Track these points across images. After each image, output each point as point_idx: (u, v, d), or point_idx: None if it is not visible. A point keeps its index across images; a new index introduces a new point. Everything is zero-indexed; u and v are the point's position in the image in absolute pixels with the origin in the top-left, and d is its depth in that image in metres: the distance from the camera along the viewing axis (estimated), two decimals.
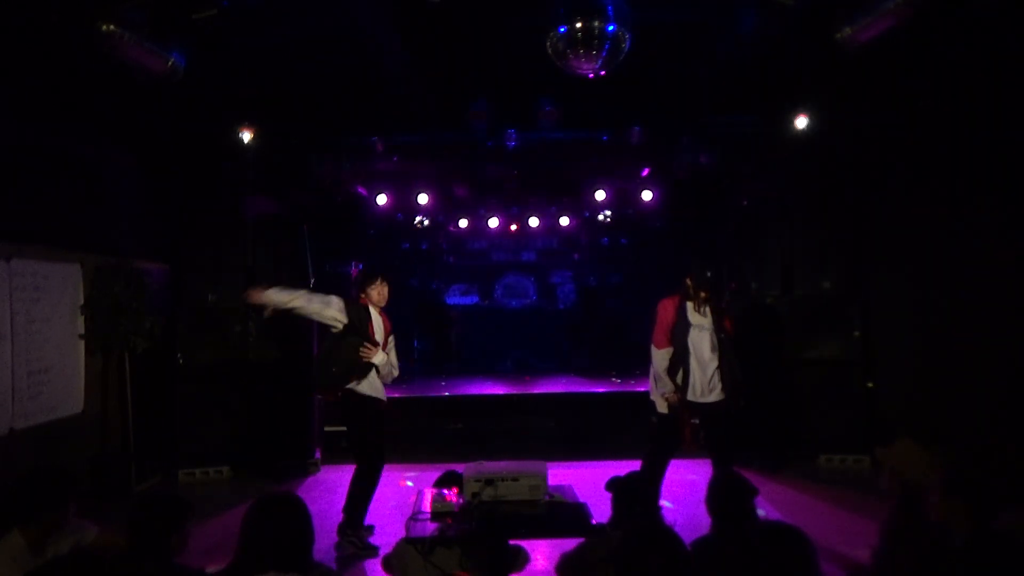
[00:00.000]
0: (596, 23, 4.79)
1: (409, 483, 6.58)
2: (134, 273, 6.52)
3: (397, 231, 12.04)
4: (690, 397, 5.14)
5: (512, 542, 3.27)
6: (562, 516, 3.79)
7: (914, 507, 2.81)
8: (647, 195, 9.65)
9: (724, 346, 5.16)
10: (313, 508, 2.60)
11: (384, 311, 5.38)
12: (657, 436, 5.38)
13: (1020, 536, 2.57)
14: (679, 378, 5.15)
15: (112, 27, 4.59)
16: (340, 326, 5.11)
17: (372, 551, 4.99)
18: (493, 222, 11.75)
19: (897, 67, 6.05)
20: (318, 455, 7.38)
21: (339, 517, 5.18)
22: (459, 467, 3.98)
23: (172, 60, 5.03)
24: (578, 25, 4.78)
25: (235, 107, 6.80)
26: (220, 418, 7.14)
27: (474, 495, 3.74)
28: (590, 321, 11.92)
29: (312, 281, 7.83)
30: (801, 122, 6.96)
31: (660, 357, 5.21)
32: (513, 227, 12.19)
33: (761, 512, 3.95)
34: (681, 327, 5.16)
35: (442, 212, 11.39)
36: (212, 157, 7.34)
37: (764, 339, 7.16)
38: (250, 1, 5.20)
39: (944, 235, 6.39)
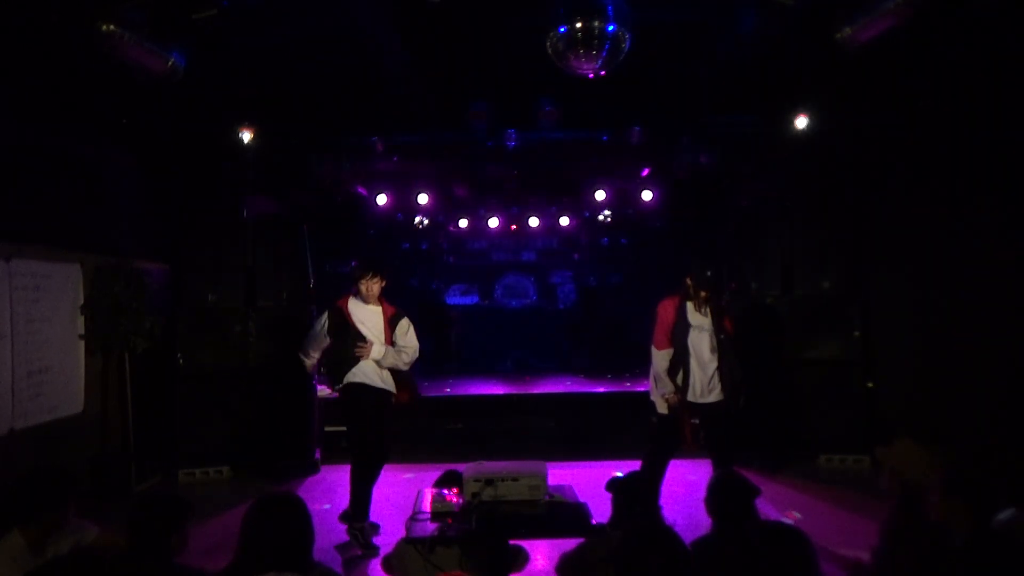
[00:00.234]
0: (596, 23, 4.78)
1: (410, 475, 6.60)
2: (134, 273, 6.51)
3: (397, 231, 12.02)
4: (690, 397, 5.15)
5: (512, 542, 3.26)
6: (562, 516, 3.79)
7: (914, 507, 2.80)
8: (647, 195, 9.66)
9: (724, 346, 5.17)
10: (313, 508, 2.61)
11: (386, 299, 5.39)
12: (657, 436, 5.39)
13: (1020, 536, 2.58)
14: (679, 379, 5.16)
15: (112, 27, 4.58)
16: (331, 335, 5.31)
17: (373, 551, 5.00)
18: (493, 222, 11.75)
19: (897, 67, 6.04)
20: (318, 455, 7.38)
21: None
22: (459, 467, 3.99)
23: (172, 60, 5.03)
24: (578, 25, 4.78)
25: (235, 107, 6.79)
26: (220, 418, 7.14)
27: (474, 495, 3.75)
28: (590, 321, 11.90)
29: (312, 281, 7.84)
30: (801, 122, 6.95)
31: (660, 358, 5.22)
32: (513, 227, 12.19)
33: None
34: (681, 327, 5.17)
35: (442, 212, 11.39)
36: (212, 157, 7.33)
37: (764, 339, 7.15)
38: (250, 1, 5.20)
39: (944, 235, 6.39)
